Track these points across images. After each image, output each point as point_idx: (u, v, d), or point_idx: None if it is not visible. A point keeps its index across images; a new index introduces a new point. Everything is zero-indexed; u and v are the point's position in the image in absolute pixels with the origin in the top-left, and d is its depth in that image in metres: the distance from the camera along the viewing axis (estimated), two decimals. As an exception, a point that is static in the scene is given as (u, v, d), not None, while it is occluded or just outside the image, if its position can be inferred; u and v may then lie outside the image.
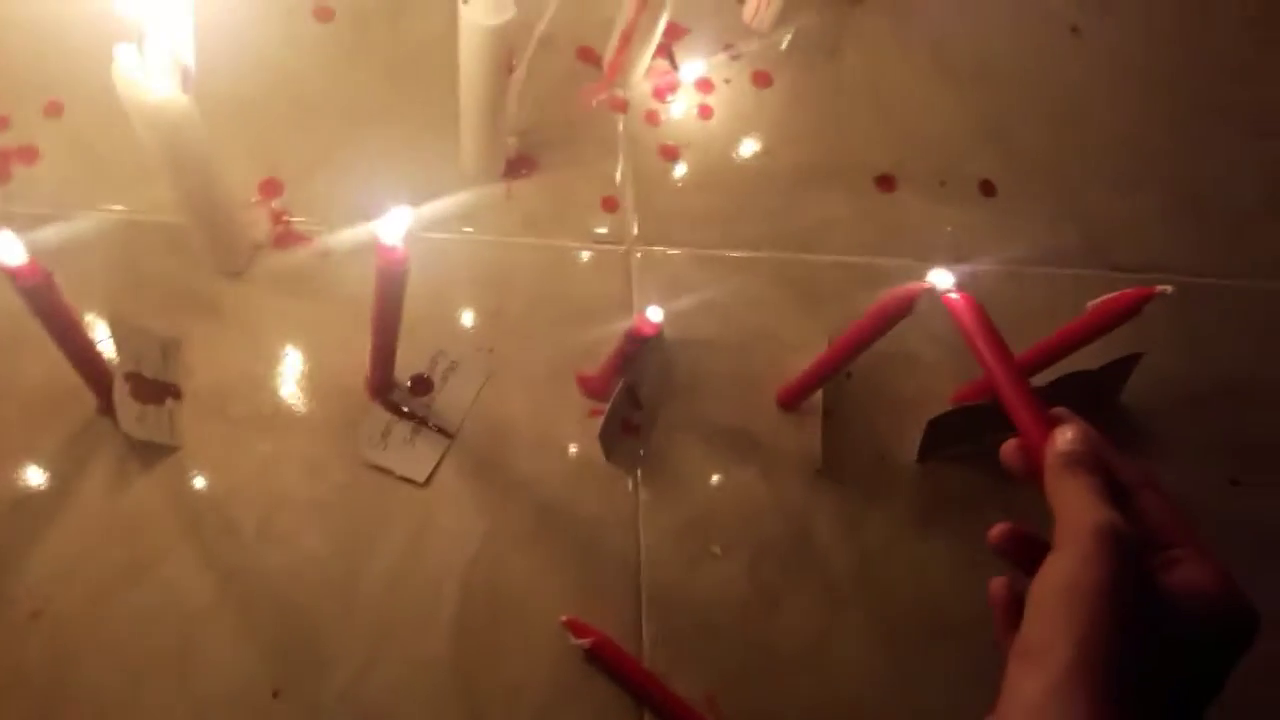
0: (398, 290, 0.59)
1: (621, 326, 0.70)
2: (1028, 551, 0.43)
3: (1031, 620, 0.39)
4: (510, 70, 0.70)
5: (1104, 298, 0.67)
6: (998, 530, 0.44)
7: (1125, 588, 0.38)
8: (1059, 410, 0.45)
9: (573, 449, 0.74)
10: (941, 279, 0.53)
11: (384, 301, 0.60)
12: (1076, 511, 0.40)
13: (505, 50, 0.66)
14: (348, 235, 0.76)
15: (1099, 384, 0.78)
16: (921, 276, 0.63)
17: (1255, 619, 0.41)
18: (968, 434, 0.78)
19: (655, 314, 0.67)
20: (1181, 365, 0.84)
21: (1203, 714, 0.41)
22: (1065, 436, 0.42)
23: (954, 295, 0.50)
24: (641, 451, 0.75)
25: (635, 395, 0.76)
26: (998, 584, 0.44)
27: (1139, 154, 0.91)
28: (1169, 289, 0.64)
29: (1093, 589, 0.38)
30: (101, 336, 0.70)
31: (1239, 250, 0.90)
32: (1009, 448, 0.45)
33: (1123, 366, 0.79)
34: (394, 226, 0.53)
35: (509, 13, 0.63)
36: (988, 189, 0.87)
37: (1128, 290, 0.66)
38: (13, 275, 0.53)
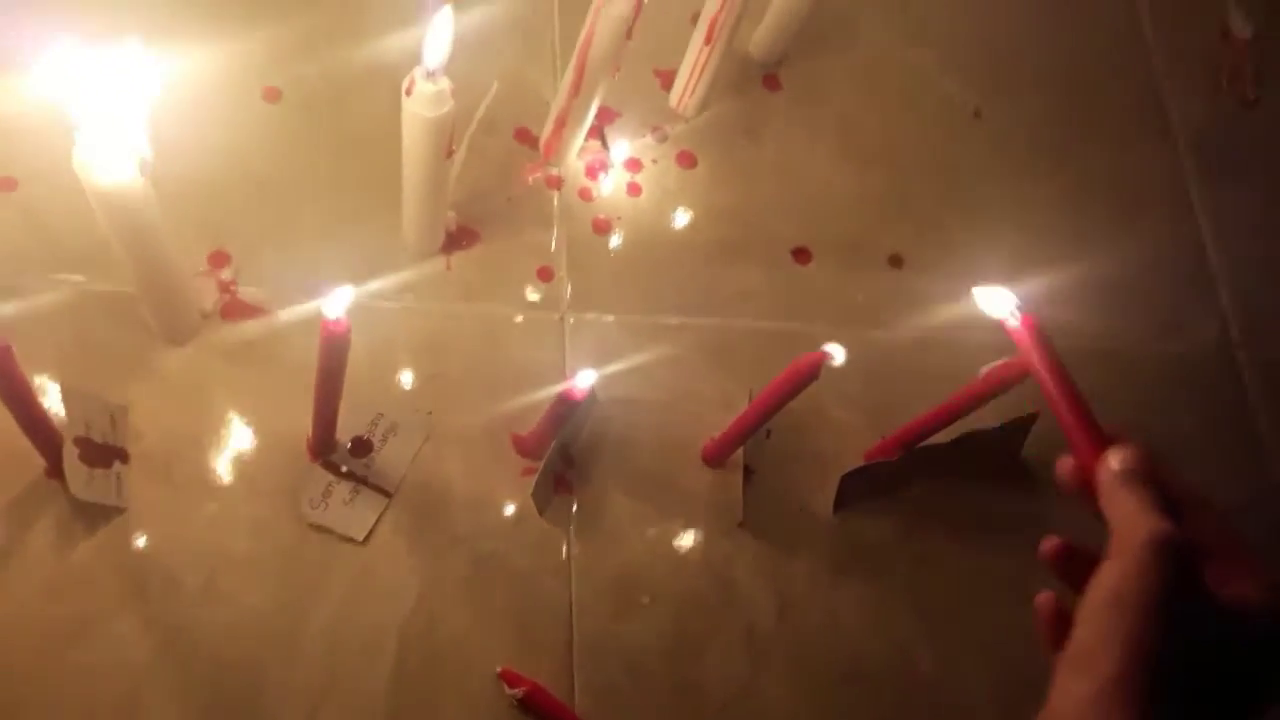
0: (340, 361, 0.63)
1: (556, 389, 0.75)
2: (1077, 566, 0.44)
3: (1082, 627, 0.40)
4: (450, 154, 0.75)
5: (995, 364, 0.73)
6: (1049, 545, 0.45)
7: (1175, 597, 0.40)
8: (1115, 429, 0.46)
9: (507, 506, 0.78)
10: (999, 301, 0.52)
11: (326, 371, 0.64)
12: (1129, 522, 0.42)
13: (445, 137, 0.72)
14: (293, 305, 0.80)
15: (1000, 441, 0.84)
16: (835, 341, 0.69)
17: None
18: (879, 488, 0.83)
19: (586, 378, 0.71)
20: (1077, 422, 0.91)
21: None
22: (1120, 454, 0.44)
23: (1014, 320, 0.51)
24: (574, 507, 0.79)
25: (568, 454, 0.80)
26: (1044, 598, 0.45)
27: (1031, 228, 0.99)
28: None
29: (1142, 598, 0.39)
30: (52, 402, 0.73)
31: (1124, 314, 0.97)
32: (1065, 465, 0.46)
33: (1022, 425, 0.85)
34: (337, 303, 0.58)
35: (448, 105, 0.69)
36: (896, 261, 0.94)
37: (1016, 358, 0.72)
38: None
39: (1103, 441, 0.45)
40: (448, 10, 0.66)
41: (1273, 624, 0.42)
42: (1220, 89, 1.13)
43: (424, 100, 0.68)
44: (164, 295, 0.74)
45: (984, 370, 0.74)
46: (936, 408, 0.79)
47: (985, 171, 1.01)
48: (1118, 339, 0.96)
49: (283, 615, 0.71)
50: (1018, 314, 0.51)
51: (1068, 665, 0.41)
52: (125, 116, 0.60)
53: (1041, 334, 0.50)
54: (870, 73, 1.02)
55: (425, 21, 0.67)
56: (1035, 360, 0.49)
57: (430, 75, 0.67)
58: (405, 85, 0.68)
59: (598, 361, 0.83)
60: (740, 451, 0.82)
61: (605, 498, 0.80)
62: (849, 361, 0.69)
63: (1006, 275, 0.96)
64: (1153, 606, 0.39)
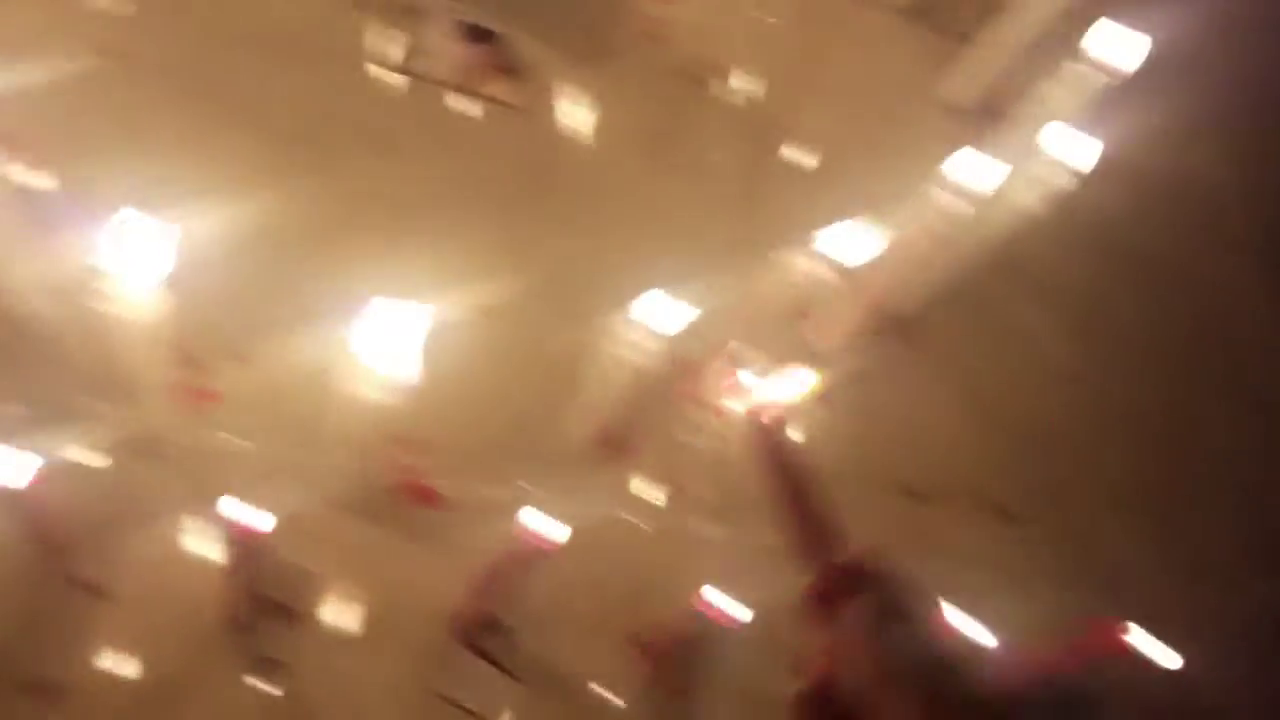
0: (526, 566, 0.72)
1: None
2: None
3: None
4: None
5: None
6: None
7: None
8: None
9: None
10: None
11: (506, 562, 0.73)
12: None
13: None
14: (469, 496, 0.91)
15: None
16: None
17: None
18: None
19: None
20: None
21: None
22: None
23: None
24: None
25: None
26: None
27: (1133, 498, 1.05)
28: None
29: None
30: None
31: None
32: None
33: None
34: (542, 522, 0.68)
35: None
36: (1004, 514, 1.00)
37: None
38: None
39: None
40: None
41: None
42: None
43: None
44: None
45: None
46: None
47: (1095, 438, 1.07)
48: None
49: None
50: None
51: None
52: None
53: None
54: (993, 333, 1.11)
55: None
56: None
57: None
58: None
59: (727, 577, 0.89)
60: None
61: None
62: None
63: (1107, 535, 1.00)
64: None
